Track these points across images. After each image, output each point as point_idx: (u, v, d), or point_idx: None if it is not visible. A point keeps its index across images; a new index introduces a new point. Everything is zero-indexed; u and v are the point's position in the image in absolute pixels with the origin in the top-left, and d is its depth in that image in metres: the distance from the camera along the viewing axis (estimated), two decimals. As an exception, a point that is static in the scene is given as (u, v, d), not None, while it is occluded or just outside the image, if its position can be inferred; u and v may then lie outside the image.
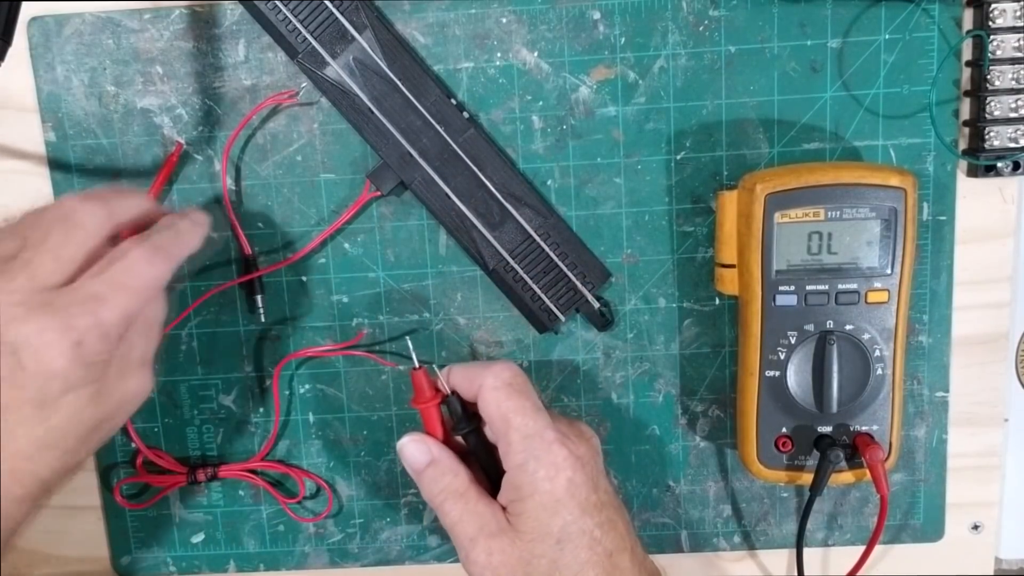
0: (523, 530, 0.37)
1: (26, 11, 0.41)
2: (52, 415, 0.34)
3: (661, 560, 0.49)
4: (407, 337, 0.42)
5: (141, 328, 0.37)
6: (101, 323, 0.34)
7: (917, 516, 0.49)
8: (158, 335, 0.38)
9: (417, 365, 0.41)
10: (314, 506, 0.50)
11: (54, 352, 0.33)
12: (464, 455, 0.41)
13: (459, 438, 0.41)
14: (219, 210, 0.46)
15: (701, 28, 0.44)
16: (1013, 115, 0.43)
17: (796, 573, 0.47)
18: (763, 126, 0.45)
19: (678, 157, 0.45)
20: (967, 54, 0.44)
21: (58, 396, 0.34)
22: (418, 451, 0.40)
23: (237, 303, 0.48)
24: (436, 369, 0.41)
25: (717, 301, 0.47)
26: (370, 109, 0.44)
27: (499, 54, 0.45)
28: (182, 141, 0.46)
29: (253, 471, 0.49)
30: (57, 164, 0.46)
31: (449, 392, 0.41)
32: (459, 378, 0.40)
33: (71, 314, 0.33)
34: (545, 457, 0.37)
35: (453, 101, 0.44)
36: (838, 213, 0.41)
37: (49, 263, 0.34)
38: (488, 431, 0.41)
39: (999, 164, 0.44)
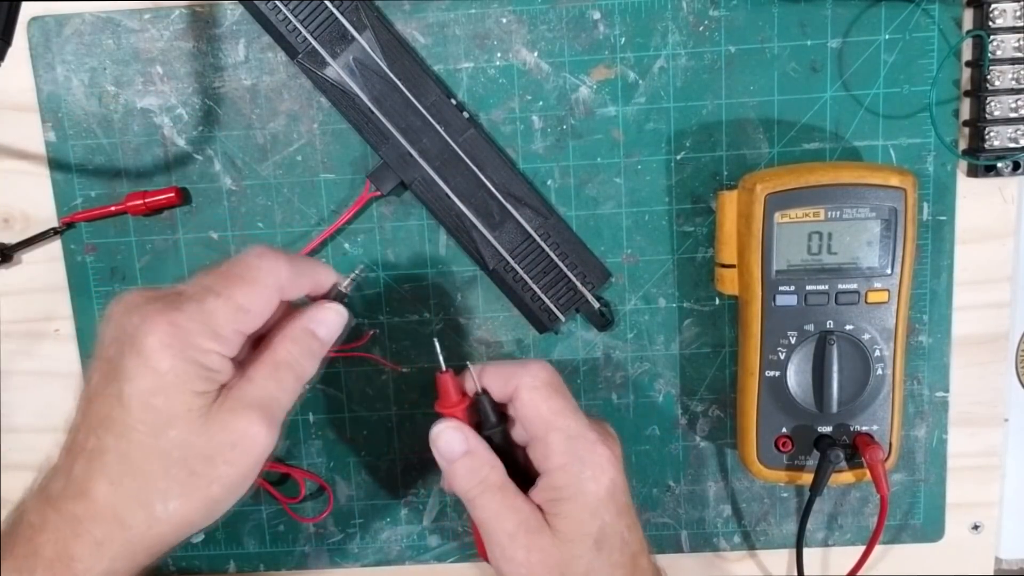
0: (561, 530, 0.36)
1: (26, 11, 0.41)
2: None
3: (661, 560, 0.49)
4: (435, 339, 0.39)
5: (276, 368, 0.35)
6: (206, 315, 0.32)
7: (917, 516, 0.49)
8: (296, 387, 0.35)
9: (443, 368, 0.38)
10: (314, 506, 0.50)
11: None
12: None
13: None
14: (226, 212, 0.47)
15: (701, 28, 0.44)
16: (1013, 115, 0.43)
17: (796, 573, 0.47)
18: (763, 126, 0.45)
19: (678, 157, 0.45)
20: (967, 54, 0.44)
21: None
22: (455, 439, 0.38)
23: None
24: (470, 366, 0.39)
25: (717, 301, 0.47)
26: (370, 109, 0.44)
27: (499, 54, 0.45)
28: None
29: (253, 471, 0.49)
30: (57, 164, 0.46)
31: (480, 390, 0.38)
32: (492, 378, 0.38)
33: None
34: (589, 458, 0.37)
35: (453, 101, 0.44)
36: (838, 213, 0.41)
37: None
38: (516, 431, 0.39)
39: (999, 164, 0.44)
